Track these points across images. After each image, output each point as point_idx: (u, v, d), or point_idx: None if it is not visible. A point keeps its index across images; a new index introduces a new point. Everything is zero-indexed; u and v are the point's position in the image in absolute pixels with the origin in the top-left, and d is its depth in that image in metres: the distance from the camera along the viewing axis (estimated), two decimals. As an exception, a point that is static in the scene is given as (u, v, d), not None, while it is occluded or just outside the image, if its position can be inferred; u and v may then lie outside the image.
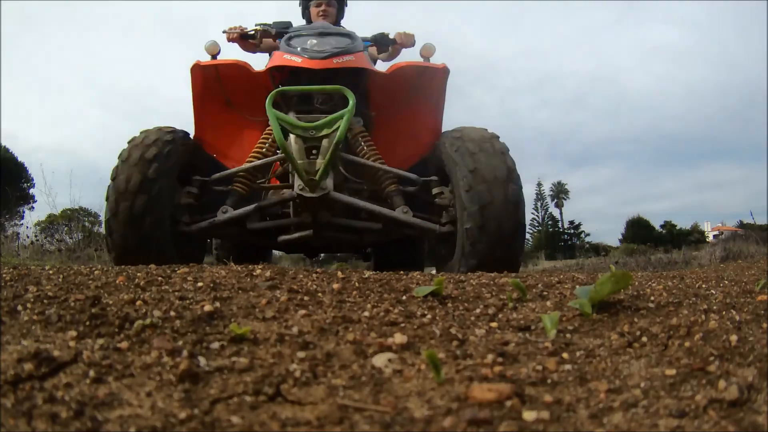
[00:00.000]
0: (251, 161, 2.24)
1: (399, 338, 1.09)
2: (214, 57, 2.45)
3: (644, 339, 1.10)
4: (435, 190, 2.21)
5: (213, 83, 2.40)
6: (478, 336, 1.18)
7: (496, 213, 1.85)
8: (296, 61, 2.15)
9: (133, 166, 1.96)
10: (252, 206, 2.17)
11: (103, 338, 1.04)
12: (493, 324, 1.30)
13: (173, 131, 2.19)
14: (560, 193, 49.45)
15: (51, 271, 1.97)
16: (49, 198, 8.15)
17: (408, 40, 2.74)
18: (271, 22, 2.85)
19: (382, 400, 0.79)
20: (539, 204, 49.03)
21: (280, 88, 2.13)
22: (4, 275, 1.77)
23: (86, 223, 10.35)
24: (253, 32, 2.72)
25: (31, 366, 0.81)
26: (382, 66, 2.74)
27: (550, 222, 48.88)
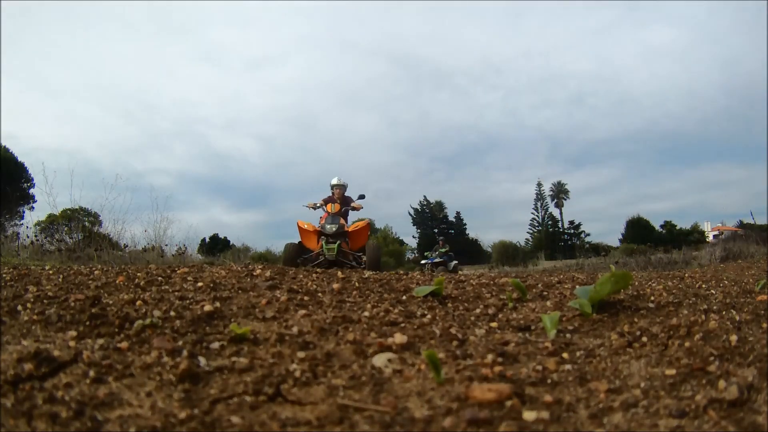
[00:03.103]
0: (315, 249, 6.63)
1: (399, 338, 1.09)
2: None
3: (644, 339, 1.10)
4: (363, 257, 6.51)
5: (304, 230, 6.64)
6: (478, 336, 1.18)
7: (372, 260, 6.10)
8: (326, 230, 6.52)
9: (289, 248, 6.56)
10: (317, 262, 6.31)
11: (103, 338, 1.04)
12: (493, 324, 1.30)
13: (296, 243, 6.60)
14: (560, 193, 49.42)
15: (51, 271, 1.97)
16: (50, 198, 8.15)
17: (359, 206, 6.96)
18: (319, 202, 6.99)
19: (382, 400, 0.79)
20: (539, 204, 49.06)
21: (323, 232, 6.57)
22: (4, 275, 1.78)
23: (86, 223, 10.34)
24: (314, 206, 7.02)
25: (31, 366, 0.81)
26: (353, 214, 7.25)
27: (550, 222, 48.90)
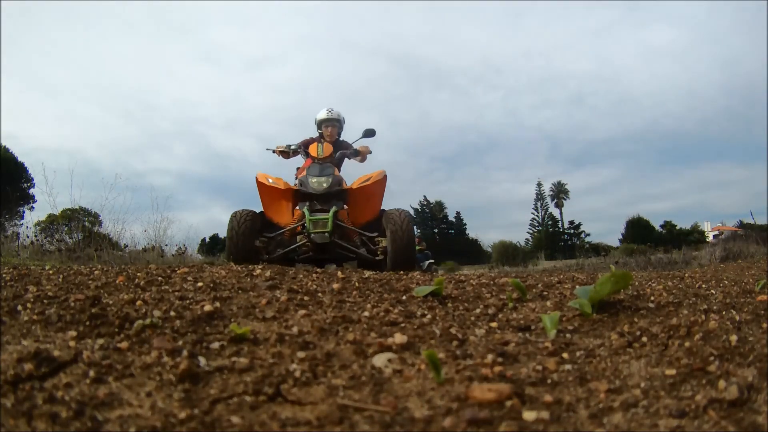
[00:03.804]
0: (289, 225, 3.83)
1: (399, 338, 1.09)
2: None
3: (644, 339, 1.10)
4: (381, 241, 3.77)
5: (269, 189, 3.86)
6: (478, 336, 1.18)
7: (402, 246, 3.46)
8: (310, 187, 3.74)
9: (236, 223, 3.54)
10: (292, 247, 3.78)
11: (103, 338, 1.04)
12: (493, 324, 1.30)
13: (254, 213, 3.70)
14: (560, 193, 49.55)
15: (51, 271, 1.97)
16: (50, 198, 8.15)
17: (366, 151, 4.15)
18: (294, 144, 4.13)
19: (382, 400, 0.79)
20: (539, 204, 49.20)
21: (304, 192, 3.79)
22: (4, 275, 1.77)
23: (86, 223, 10.34)
24: (286, 150, 4.11)
25: (31, 366, 0.81)
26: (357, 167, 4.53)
27: (550, 222, 49.01)
